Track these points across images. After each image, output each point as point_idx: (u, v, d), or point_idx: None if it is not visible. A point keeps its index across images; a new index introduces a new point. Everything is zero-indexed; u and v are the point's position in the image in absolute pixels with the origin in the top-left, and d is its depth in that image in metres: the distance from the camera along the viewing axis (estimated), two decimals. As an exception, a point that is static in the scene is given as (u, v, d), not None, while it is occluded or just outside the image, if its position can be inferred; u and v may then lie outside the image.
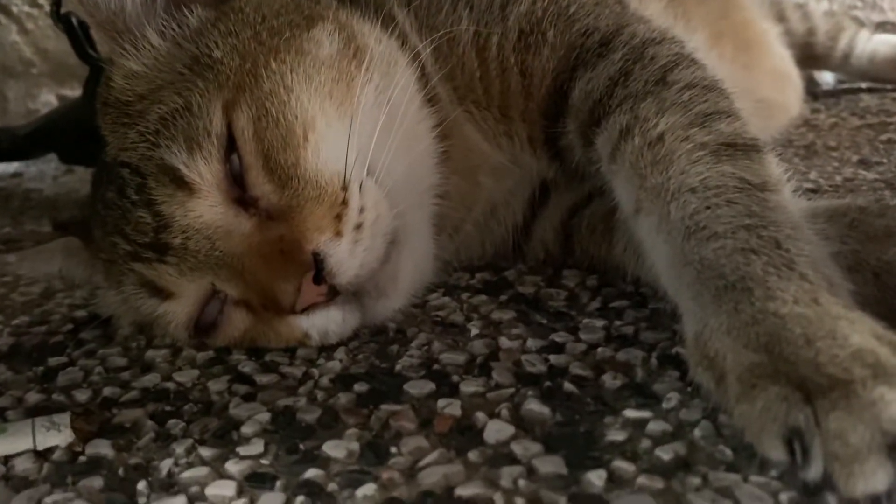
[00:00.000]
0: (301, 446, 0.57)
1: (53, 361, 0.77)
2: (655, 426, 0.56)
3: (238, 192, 0.68)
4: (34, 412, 0.66)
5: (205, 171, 0.66)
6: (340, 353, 0.73)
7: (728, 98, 0.76)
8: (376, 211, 0.68)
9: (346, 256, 0.66)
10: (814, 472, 0.46)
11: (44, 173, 1.82)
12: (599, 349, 0.69)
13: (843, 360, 0.48)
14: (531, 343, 0.72)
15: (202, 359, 0.75)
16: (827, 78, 2.07)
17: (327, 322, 0.69)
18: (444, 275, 0.90)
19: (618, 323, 0.74)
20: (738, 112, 0.73)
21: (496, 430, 0.57)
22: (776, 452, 0.48)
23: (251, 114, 0.67)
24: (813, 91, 2.03)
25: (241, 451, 0.57)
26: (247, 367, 0.72)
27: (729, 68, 1.33)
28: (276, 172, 0.67)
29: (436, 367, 0.69)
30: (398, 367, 0.69)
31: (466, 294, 0.86)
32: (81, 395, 0.69)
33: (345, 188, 0.68)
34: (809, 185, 1.18)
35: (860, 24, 2.20)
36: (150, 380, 0.71)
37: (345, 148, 0.68)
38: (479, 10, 0.85)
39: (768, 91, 1.48)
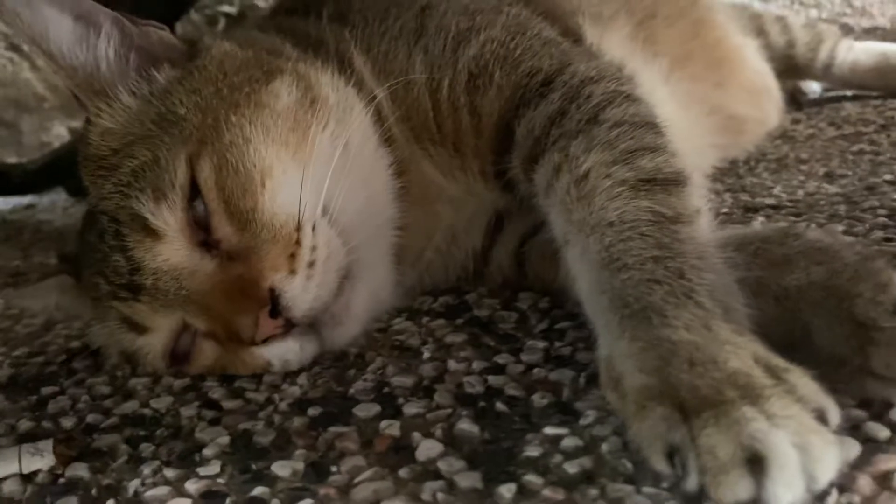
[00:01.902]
0: (253, 466, 0.64)
1: (46, 390, 0.85)
2: (569, 441, 0.62)
3: (202, 235, 0.75)
4: (24, 438, 0.73)
5: (170, 219, 0.74)
6: (302, 379, 0.80)
7: (657, 133, 0.81)
8: (328, 249, 0.75)
9: (300, 292, 0.73)
10: (691, 483, 0.52)
11: (55, 204, 1.91)
12: (536, 370, 0.75)
13: (718, 383, 0.53)
14: (476, 365, 0.78)
15: (178, 386, 0.82)
16: (813, 87, 2.11)
17: (286, 351, 0.77)
18: (409, 299, 0.97)
19: (558, 344, 0.80)
20: (664, 147, 0.79)
21: (427, 449, 0.64)
22: (661, 466, 0.54)
23: (213, 164, 0.74)
24: (798, 100, 2.08)
25: (201, 471, 0.64)
26: (216, 393, 0.79)
27: (699, 87, 1.39)
28: (236, 217, 0.74)
29: (386, 389, 0.75)
30: (352, 390, 0.76)
31: (427, 318, 0.92)
32: (67, 422, 0.77)
33: (298, 229, 0.75)
34: (771, 202, 1.23)
35: (844, 32, 2.24)
36: (130, 406, 0.79)
37: (299, 192, 0.75)
38: (431, 54, 0.92)
39: (741, 107, 1.53)
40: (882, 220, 1.06)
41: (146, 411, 0.77)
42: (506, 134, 0.88)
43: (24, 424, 0.77)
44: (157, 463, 0.66)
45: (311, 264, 0.74)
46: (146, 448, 0.69)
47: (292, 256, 0.73)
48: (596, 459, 0.60)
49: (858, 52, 1.94)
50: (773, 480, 0.48)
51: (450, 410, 0.69)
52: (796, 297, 0.64)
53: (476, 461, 0.61)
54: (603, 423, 0.64)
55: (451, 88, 0.90)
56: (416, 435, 0.66)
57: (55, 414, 0.79)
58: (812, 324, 0.63)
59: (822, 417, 0.53)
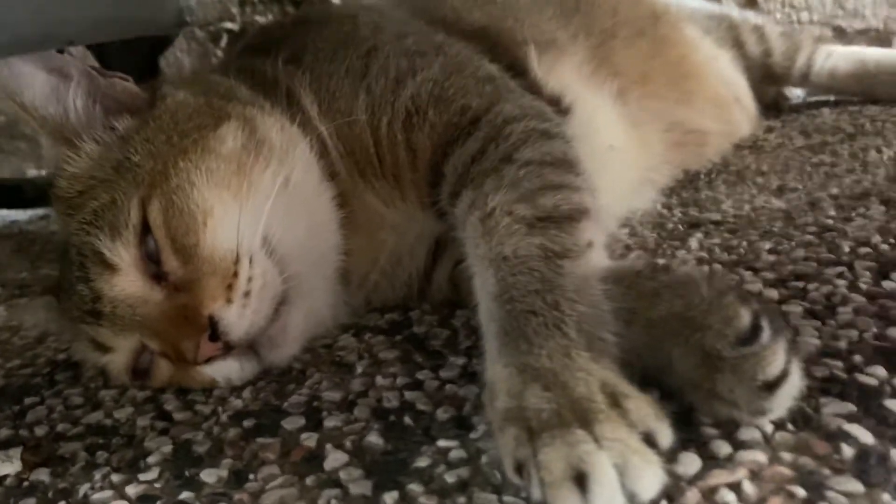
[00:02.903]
0: (186, 473, 0.74)
1: (28, 401, 0.97)
2: (456, 453, 0.71)
3: (154, 268, 0.85)
4: (1, 445, 0.85)
5: (124, 254, 0.84)
6: (247, 392, 0.90)
7: (565, 170, 0.89)
8: (263, 279, 0.85)
9: (236, 319, 0.83)
10: (536, 494, 0.60)
11: (69, 214, 2.04)
12: (448, 385, 0.84)
13: (560, 408, 0.62)
14: (399, 380, 0.87)
15: (140, 397, 0.93)
16: (796, 92, 2.15)
17: (227, 370, 0.87)
18: (357, 317, 1.06)
19: (475, 361, 0.89)
20: (567, 184, 0.86)
21: (335, 459, 0.73)
22: (514, 478, 0.62)
23: (161, 205, 0.84)
24: (780, 106, 2.12)
25: (142, 476, 0.75)
26: (171, 405, 0.90)
27: (657, 105, 1.46)
28: (181, 252, 0.84)
29: (315, 403, 0.85)
30: (286, 404, 0.85)
31: (370, 334, 1.01)
32: (40, 430, 0.88)
33: (237, 262, 0.84)
34: (716, 217, 1.30)
35: (837, 34, 2.28)
36: (95, 417, 0.89)
37: (238, 229, 0.85)
38: (373, 94, 1.01)
39: (706, 121, 1.59)
40: (808, 237, 1.13)
41: (108, 421, 0.88)
42: (438, 169, 0.96)
43: (4, 433, 0.89)
44: (107, 469, 0.77)
45: (247, 294, 0.83)
46: (101, 455, 0.80)
47: (229, 287, 0.83)
48: (473, 470, 0.68)
49: (837, 59, 1.98)
50: (594, 495, 0.57)
51: (364, 424, 0.79)
52: (661, 326, 0.72)
53: (373, 471, 0.70)
54: (489, 438, 0.72)
55: (390, 126, 0.99)
56: (329, 446, 0.75)
57: (32, 423, 0.90)
58: (672, 351, 0.70)
59: (651, 440, 0.61)
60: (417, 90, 1.00)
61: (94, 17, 0.72)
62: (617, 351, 0.71)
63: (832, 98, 2.10)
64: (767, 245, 1.12)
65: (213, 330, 0.82)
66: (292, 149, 0.95)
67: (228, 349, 0.84)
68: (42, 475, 0.78)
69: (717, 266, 1.06)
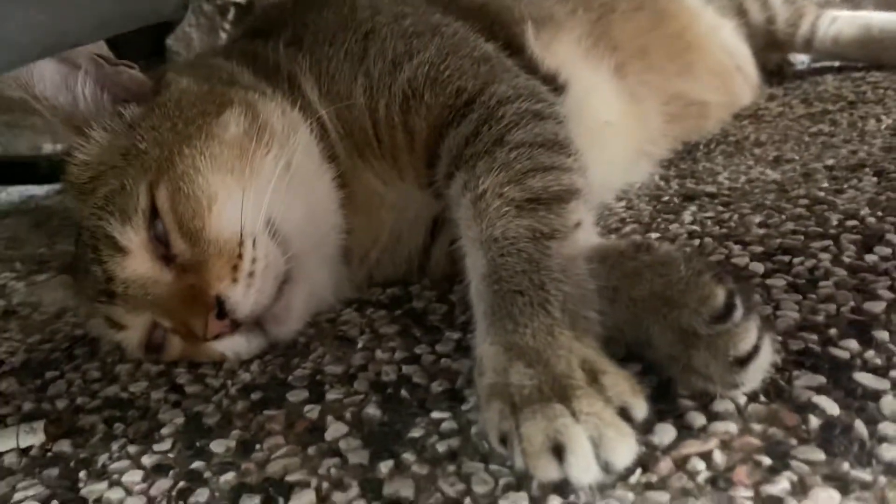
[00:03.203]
0: (197, 444, 0.80)
1: (49, 375, 1.02)
2: (448, 424, 0.76)
3: (163, 249, 0.89)
4: (25, 418, 0.90)
5: (134, 238, 0.88)
6: (255, 366, 0.95)
7: (555, 151, 0.92)
8: (266, 260, 0.89)
9: (241, 298, 0.87)
10: (518, 463, 0.65)
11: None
12: (444, 360, 0.88)
13: (542, 384, 0.66)
14: (398, 355, 0.91)
15: (154, 371, 0.98)
16: (801, 58, 2.15)
17: (235, 345, 0.92)
18: (359, 292, 1.11)
19: (469, 336, 0.93)
20: (557, 165, 0.89)
21: (335, 430, 0.78)
22: (499, 449, 0.67)
23: (168, 191, 0.88)
24: (784, 72, 2.13)
25: (156, 447, 0.80)
26: (183, 378, 0.95)
27: (657, 78, 1.48)
28: (189, 235, 0.88)
29: (318, 377, 0.90)
30: (291, 377, 0.90)
31: (372, 309, 1.06)
32: (61, 404, 0.93)
33: (241, 244, 0.88)
34: (711, 189, 1.33)
35: (835, 2, 2.26)
36: (112, 390, 0.95)
37: (242, 212, 0.89)
38: (371, 78, 1.04)
39: (706, 93, 1.60)
40: (799, 210, 1.16)
41: (124, 394, 0.93)
42: (434, 150, 1.00)
43: (27, 406, 0.94)
44: (124, 440, 0.82)
45: (251, 274, 0.88)
46: (118, 427, 0.85)
47: (234, 268, 0.87)
48: (463, 440, 0.73)
49: (841, 25, 1.97)
50: (570, 465, 0.61)
51: (363, 396, 0.83)
52: (642, 304, 0.75)
53: (370, 441, 0.75)
54: (478, 410, 0.77)
55: (388, 109, 1.02)
56: (330, 418, 0.80)
57: (53, 396, 0.96)
58: (652, 328, 0.74)
59: (627, 414, 0.65)
60: (414, 73, 1.03)
61: (99, 19, 0.75)
62: (600, 328, 0.75)
63: (836, 64, 2.10)
64: (758, 218, 1.15)
65: (220, 308, 0.87)
66: (293, 133, 0.98)
67: (235, 326, 0.89)
68: (64, 446, 0.83)
69: (708, 240, 1.09)
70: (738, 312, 0.69)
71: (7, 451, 0.83)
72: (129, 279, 0.89)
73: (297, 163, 0.97)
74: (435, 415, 0.78)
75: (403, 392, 0.83)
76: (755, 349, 0.69)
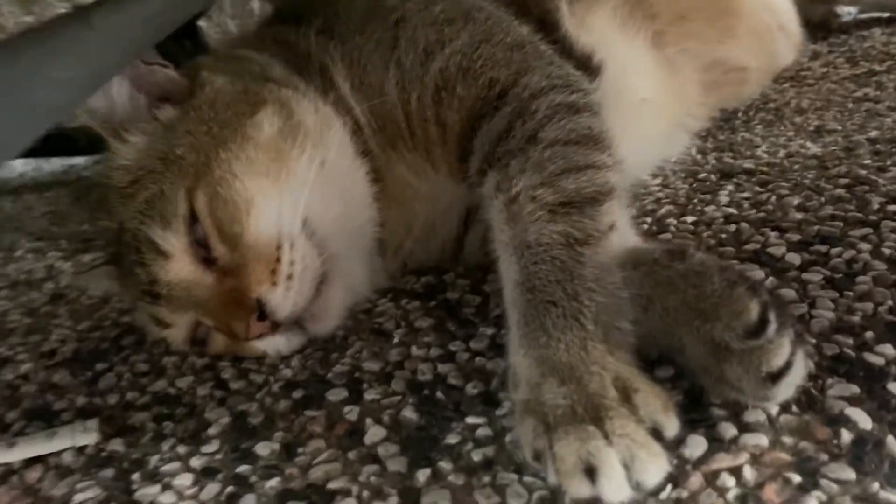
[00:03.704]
0: (242, 446, 0.83)
1: (99, 367, 1.07)
2: (483, 431, 0.78)
3: (204, 252, 0.91)
4: (79, 413, 0.95)
5: (175, 243, 0.91)
6: (295, 361, 0.97)
7: (590, 147, 0.91)
8: (304, 263, 0.91)
9: (281, 300, 0.90)
10: (552, 479, 0.67)
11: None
12: (478, 358, 0.90)
13: (574, 403, 0.68)
14: (433, 351, 0.93)
15: (200, 364, 1.02)
16: (848, 8, 2.07)
17: (275, 344, 0.94)
18: (394, 281, 1.13)
19: (502, 332, 0.94)
20: (591, 163, 0.89)
21: (374, 434, 0.81)
22: (533, 464, 0.69)
23: (206, 197, 0.90)
24: (829, 25, 2.05)
25: (204, 448, 0.84)
26: (227, 373, 0.98)
27: (696, 45, 1.44)
28: (228, 240, 0.90)
29: (356, 374, 0.92)
30: (330, 374, 0.93)
31: (406, 299, 1.08)
32: (112, 399, 0.98)
33: (279, 248, 0.90)
34: (749, 165, 1.31)
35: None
36: (160, 385, 0.99)
37: (279, 216, 0.91)
38: (403, 68, 1.03)
39: (747, 57, 1.56)
40: (839, 191, 1.14)
41: (171, 390, 0.97)
42: (467, 143, 0.99)
43: (80, 400, 0.99)
44: (173, 440, 0.86)
45: (290, 277, 0.90)
46: (167, 426, 0.89)
47: (273, 272, 0.89)
48: (498, 449, 0.75)
49: (892, -25, 1.89)
50: (602, 486, 0.63)
51: (400, 397, 0.86)
52: (675, 314, 0.76)
53: (407, 447, 0.78)
54: (512, 416, 0.79)
55: (420, 101, 1.02)
56: (369, 420, 0.83)
57: (104, 391, 1.00)
58: (685, 338, 0.75)
59: (657, 432, 0.67)
60: (446, 63, 1.02)
61: (133, 52, 0.75)
62: (633, 339, 0.75)
63: (885, 15, 2.02)
64: (796, 200, 1.13)
65: (261, 311, 0.89)
66: (327, 130, 0.99)
67: (276, 327, 0.91)
68: (117, 445, 0.87)
69: (745, 225, 1.08)
70: (772, 328, 0.70)
71: (65, 450, 0.88)
72: (172, 282, 0.92)
73: (331, 161, 0.97)
74: (470, 420, 0.80)
75: (439, 394, 0.85)
76: (788, 365, 0.69)
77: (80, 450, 0.88)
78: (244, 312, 0.89)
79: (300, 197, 0.93)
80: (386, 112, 1.03)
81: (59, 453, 0.88)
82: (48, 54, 0.53)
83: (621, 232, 0.86)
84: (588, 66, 1.16)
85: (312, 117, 0.99)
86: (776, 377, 0.69)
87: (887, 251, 0.95)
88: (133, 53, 0.77)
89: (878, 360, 0.77)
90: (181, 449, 0.84)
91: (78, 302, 1.30)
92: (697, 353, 0.74)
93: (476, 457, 0.75)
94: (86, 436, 0.88)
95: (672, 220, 1.15)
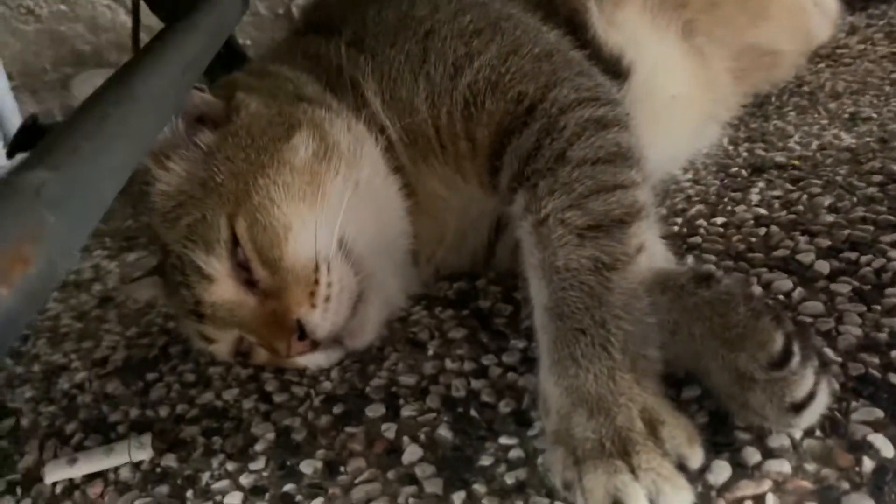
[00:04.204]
0: (288, 463, 0.88)
1: (150, 377, 1.12)
2: (515, 453, 0.81)
3: (246, 275, 0.95)
4: (133, 426, 1.01)
5: (219, 267, 0.94)
6: (334, 373, 1.02)
7: (619, 164, 0.92)
8: (341, 284, 0.94)
9: (320, 321, 0.93)
10: (581, 507, 0.71)
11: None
12: (510, 374, 0.94)
13: (602, 437, 0.71)
14: (466, 365, 0.97)
15: (244, 375, 1.07)
16: (888, -25, 2.01)
17: (315, 360, 0.99)
18: (427, 288, 1.16)
19: (533, 345, 0.97)
20: (620, 182, 0.90)
21: (411, 453, 0.85)
22: (563, 492, 0.73)
23: (247, 223, 0.93)
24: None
25: (252, 466, 0.89)
26: (271, 385, 1.03)
27: (728, 32, 1.43)
28: (268, 264, 0.93)
29: (393, 388, 0.96)
30: (368, 388, 0.97)
31: (439, 308, 1.11)
32: (163, 411, 1.03)
33: (316, 270, 0.93)
34: (780, 159, 1.30)
35: None
36: (207, 397, 1.04)
37: (316, 240, 0.94)
38: (433, 83, 1.04)
39: (781, 40, 1.54)
40: (871, 190, 1.14)
41: (218, 403, 1.02)
42: (496, 158, 1.01)
43: (134, 412, 1.04)
44: (222, 456, 0.91)
45: (328, 298, 0.93)
46: (216, 441, 0.94)
47: (311, 294, 0.93)
48: (530, 471, 0.79)
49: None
50: (629, 519, 0.67)
51: (435, 415, 0.90)
52: (701, 342, 0.78)
53: (443, 467, 0.82)
54: (544, 436, 0.82)
55: (450, 116, 1.03)
56: (406, 439, 0.87)
57: (155, 402, 1.06)
58: (710, 364, 0.77)
59: (682, 464, 0.70)
60: (475, 77, 1.02)
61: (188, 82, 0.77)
62: (659, 366, 0.78)
63: (928, -19, 1.96)
64: (828, 200, 1.13)
65: (301, 331, 0.93)
66: (359, 149, 1.01)
67: (315, 345, 0.95)
68: (170, 461, 0.93)
69: (775, 228, 1.09)
70: (796, 360, 0.71)
71: (122, 465, 0.93)
72: (217, 303, 0.96)
73: (365, 180, 1.00)
74: (503, 440, 0.83)
75: (473, 412, 0.89)
76: (811, 395, 0.71)
77: (137, 465, 0.94)
78: (285, 333, 0.93)
79: (336, 219, 0.95)
80: (417, 127, 1.05)
81: (116, 469, 0.93)
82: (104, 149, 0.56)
83: (650, 252, 0.87)
84: (617, 69, 1.16)
85: (346, 137, 1.01)
86: (799, 407, 0.71)
87: (918, 260, 0.96)
88: (180, 100, 0.79)
89: (903, 382, 0.78)
90: (230, 466, 0.90)
91: (125, 306, 1.36)
92: (722, 380, 0.76)
93: (509, 479, 0.78)
94: (141, 451, 0.93)
95: (702, 222, 1.16)
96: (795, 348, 0.72)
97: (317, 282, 0.93)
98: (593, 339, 0.78)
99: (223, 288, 0.95)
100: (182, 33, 0.80)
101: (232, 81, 1.11)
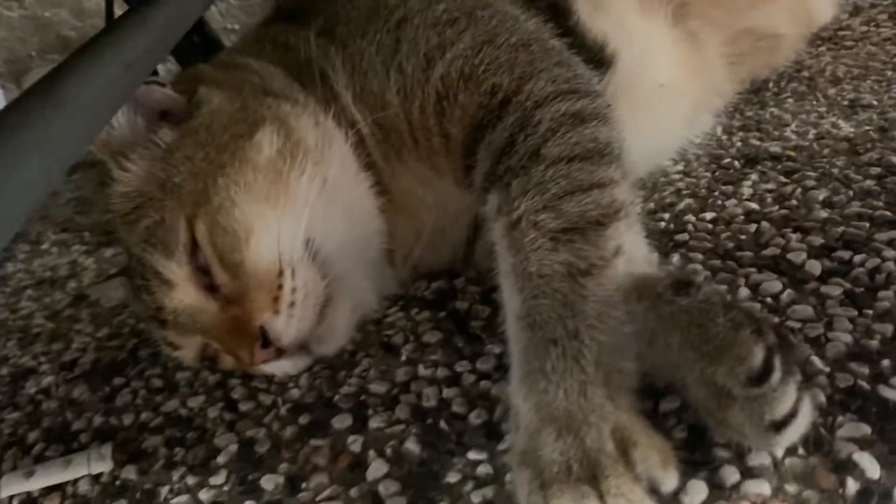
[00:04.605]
0: (249, 478, 0.84)
1: (117, 381, 1.08)
2: (483, 469, 0.77)
3: (207, 280, 0.91)
4: (97, 434, 0.97)
5: (178, 271, 0.90)
6: (303, 379, 0.98)
7: (597, 162, 0.87)
8: (306, 290, 0.90)
9: (284, 327, 0.89)
10: (548, 533, 0.67)
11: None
12: (483, 382, 0.89)
13: (570, 460, 0.67)
14: (439, 372, 0.93)
15: (211, 381, 1.03)
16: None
17: (281, 367, 0.94)
18: (405, 287, 1.11)
19: (509, 350, 0.93)
20: (599, 180, 0.85)
21: (376, 469, 0.81)
22: (530, 513, 0.69)
23: (206, 225, 0.89)
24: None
25: (212, 480, 0.85)
26: (238, 392, 0.99)
27: (723, 14, 1.37)
28: (229, 268, 0.89)
29: (363, 397, 0.92)
30: (337, 397, 0.93)
31: (416, 309, 1.06)
32: (127, 419, 1.00)
33: (280, 274, 0.89)
34: (775, 149, 1.25)
35: None
36: (173, 404, 1.00)
37: (279, 242, 0.89)
38: (405, 75, 0.99)
39: (780, 23, 1.48)
40: (868, 183, 1.08)
41: (183, 411, 0.99)
42: (471, 154, 0.96)
43: (97, 420, 1.01)
44: (183, 468, 0.88)
45: (292, 304, 0.89)
46: (178, 452, 0.91)
47: (275, 299, 0.88)
48: (497, 490, 0.75)
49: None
50: (596, 546, 0.63)
51: (404, 426, 0.86)
52: (677, 353, 0.73)
53: (408, 485, 0.78)
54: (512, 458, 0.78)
55: (422, 110, 0.98)
56: (372, 452, 0.83)
57: (120, 409, 1.02)
58: (688, 377, 0.73)
59: (655, 488, 0.65)
60: (447, 69, 0.97)
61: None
62: (635, 380, 0.74)
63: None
64: (822, 194, 1.08)
65: (265, 338, 0.89)
66: (328, 146, 0.96)
67: (280, 353, 0.91)
68: (130, 473, 0.89)
69: (766, 224, 1.04)
70: (777, 375, 0.67)
71: (81, 478, 0.90)
72: (178, 309, 0.92)
73: (333, 177, 0.95)
74: (472, 455, 0.79)
75: (442, 423, 0.85)
76: (793, 413, 0.67)
77: (96, 477, 0.90)
78: (248, 340, 0.89)
79: (301, 220, 0.91)
80: (389, 121, 1.00)
81: (75, 481, 0.90)
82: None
83: (629, 254, 0.82)
84: (600, 58, 1.11)
85: (313, 133, 0.96)
86: (780, 426, 0.67)
87: (915, 258, 0.91)
88: (119, 103, 0.74)
89: (893, 395, 0.74)
90: (190, 480, 0.86)
91: (99, 304, 1.32)
92: (700, 394, 0.71)
93: (476, 498, 0.74)
94: (100, 463, 0.90)
95: (690, 217, 1.11)
96: (777, 363, 0.68)
97: (280, 287, 0.89)
98: (565, 350, 0.73)
99: (184, 293, 0.91)
100: (126, 29, 0.75)
101: (197, 74, 1.06)
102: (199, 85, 1.00)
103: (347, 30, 1.04)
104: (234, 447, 0.89)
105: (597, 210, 0.83)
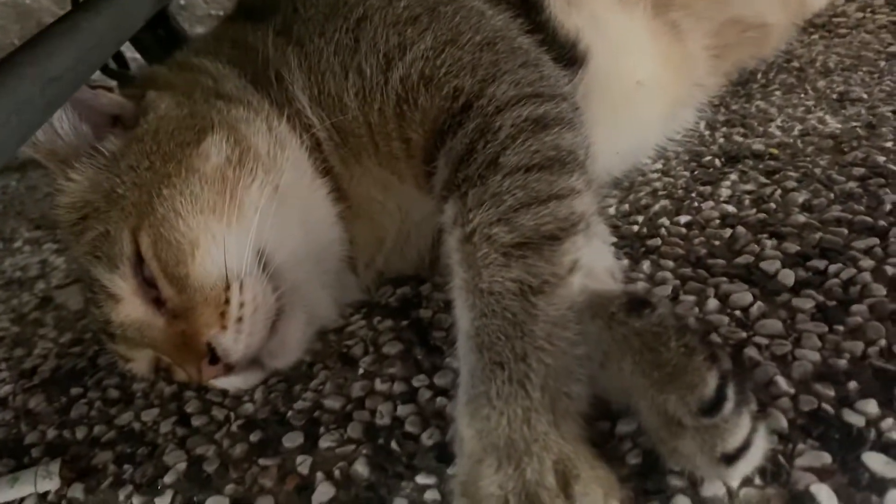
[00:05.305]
0: (194, 499, 0.82)
1: (74, 391, 1.06)
2: (431, 495, 0.74)
3: (154, 293, 0.88)
4: (49, 448, 0.95)
5: (123, 285, 0.87)
6: (258, 393, 0.95)
7: (557, 171, 0.83)
8: (254, 304, 0.86)
9: (232, 344, 0.86)
10: (483, 570, 0.64)
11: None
12: (439, 399, 0.86)
13: (509, 493, 0.64)
14: (396, 387, 0.90)
15: (168, 393, 1.00)
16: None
17: (232, 383, 0.91)
18: (370, 294, 1.08)
19: (469, 365, 0.90)
20: (557, 191, 0.81)
21: (323, 492, 0.78)
22: (467, 546, 0.66)
23: (150, 238, 0.85)
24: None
25: (158, 501, 0.83)
26: (192, 406, 0.97)
27: (706, 5, 1.31)
28: (174, 282, 0.86)
29: (316, 413, 0.89)
30: (290, 412, 0.90)
31: (378, 317, 1.03)
32: (80, 433, 0.97)
33: (227, 289, 0.86)
34: (758, 147, 1.20)
35: None
36: (126, 417, 0.98)
37: (226, 255, 0.86)
38: (364, 77, 0.95)
39: (768, 11, 1.42)
40: (851, 185, 1.04)
41: (136, 424, 0.96)
42: (432, 160, 0.92)
43: (51, 433, 0.99)
44: (130, 487, 0.86)
45: (240, 319, 0.86)
46: (127, 470, 0.88)
47: (222, 314, 0.85)
48: (443, 518, 0.72)
49: None
50: (530, 587, 0.60)
51: (354, 446, 0.83)
52: (630, 378, 0.70)
53: (352, 511, 0.76)
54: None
55: (381, 114, 0.94)
56: (320, 474, 0.80)
57: (75, 421, 1.00)
58: (640, 403, 0.70)
59: (598, 523, 0.63)
60: (407, 71, 0.93)
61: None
62: (584, 404, 0.71)
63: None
64: (802, 197, 1.04)
65: (213, 354, 0.86)
66: (280, 152, 0.93)
67: (229, 369, 0.88)
68: (77, 492, 0.87)
69: (741, 230, 1.00)
70: (729, 405, 0.64)
71: (27, 496, 0.88)
72: (125, 323, 0.89)
73: (286, 184, 0.92)
74: (420, 479, 0.77)
75: (394, 444, 0.82)
76: (746, 444, 0.64)
77: (43, 496, 0.88)
78: (195, 356, 0.86)
79: (250, 231, 0.88)
80: (347, 125, 0.96)
81: (21, 500, 0.88)
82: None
83: (587, 269, 0.79)
84: (573, 55, 1.06)
85: (265, 139, 0.92)
86: (732, 458, 0.64)
87: (890, 270, 0.87)
88: (37, 121, 0.71)
89: (857, 421, 0.70)
90: (136, 500, 0.84)
91: (65, 307, 1.30)
92: (652, 422, 0.68)
93: (419, 526, 0.72)
94: (47, 481, 0.88)
95: (664, 220, 1.07)
96: (730, 392, 0.64)
97: (228, 301, 0.86)
98: (511, 374, 0.70)
99: (130, 307, 0.88)
100: (49, 40, 0.71)
101: (150, 76, 1.02)
102: (148, 89, 0.96)
103: (305, 28, 1.00)
104: (182, 465, 0.87)
105: (553, 223, 0.79)
